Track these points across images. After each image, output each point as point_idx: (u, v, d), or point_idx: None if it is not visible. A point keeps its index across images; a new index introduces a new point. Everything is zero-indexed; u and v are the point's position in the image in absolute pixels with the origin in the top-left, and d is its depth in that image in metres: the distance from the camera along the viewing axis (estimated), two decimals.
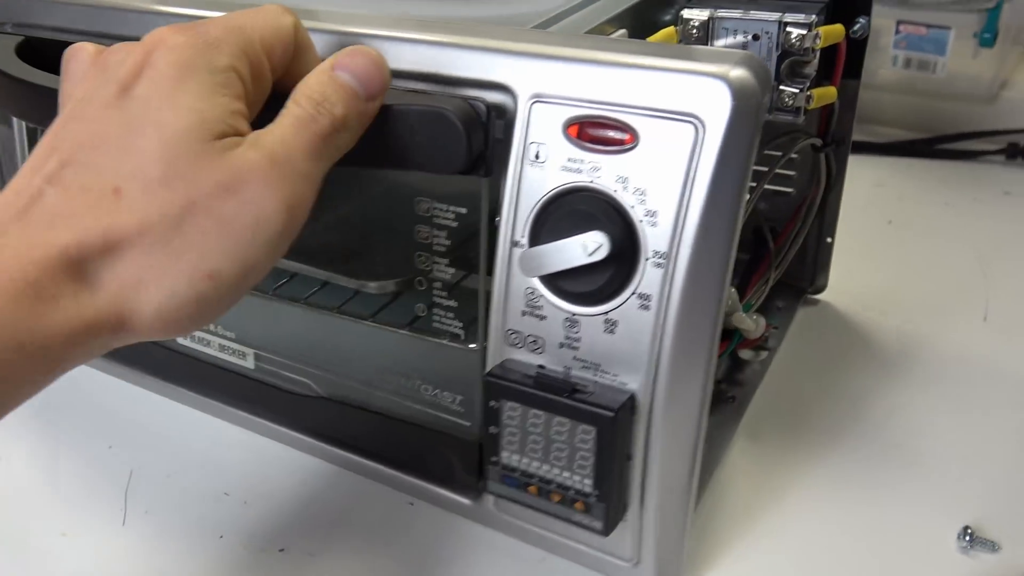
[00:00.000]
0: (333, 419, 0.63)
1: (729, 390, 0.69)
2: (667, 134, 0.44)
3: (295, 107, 0.41)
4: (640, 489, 0.50)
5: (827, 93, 0.63)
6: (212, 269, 0.38)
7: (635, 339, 0.46)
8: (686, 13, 0.62)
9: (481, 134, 0.47)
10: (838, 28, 0.61)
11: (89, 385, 0.73)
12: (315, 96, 0.41)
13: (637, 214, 0.45)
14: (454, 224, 0.52)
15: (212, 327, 0.66)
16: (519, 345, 0.50)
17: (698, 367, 0.47)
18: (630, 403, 0.47)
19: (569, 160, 0.46)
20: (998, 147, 1.16)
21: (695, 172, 0.44)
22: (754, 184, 0.49)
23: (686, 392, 0.47)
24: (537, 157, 0.47)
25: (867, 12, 0.65)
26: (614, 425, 0.46)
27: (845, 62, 0.66)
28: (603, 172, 0.46)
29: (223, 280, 0.38)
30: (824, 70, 0.64)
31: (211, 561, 0.57)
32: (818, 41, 0.59)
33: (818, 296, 0.84)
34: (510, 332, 0.50)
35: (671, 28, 0.62)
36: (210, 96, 0.39)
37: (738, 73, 0.43)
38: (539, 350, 0.50)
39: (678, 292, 0.45)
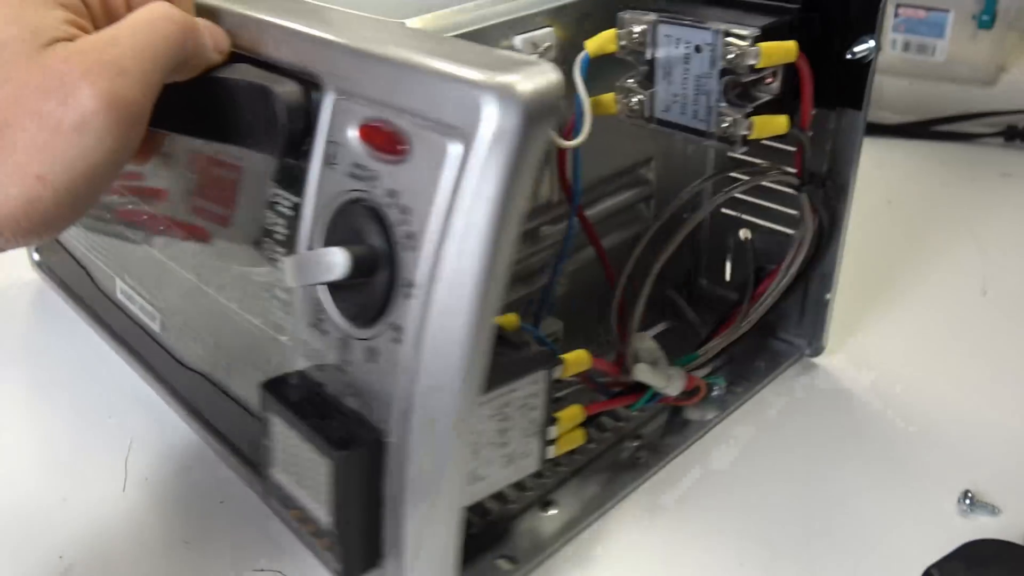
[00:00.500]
0: (204, 397, 0.57)
1: (640, 451, 0.59)
2: (436, 148, 0.36)
3: (135, 13, 0.39)
4: (398, 539, 0.40)
5: (771, 123, 0.50)
6: (40, 171, 0.35)
7: (389, 374, 0.38)
8: (627, 15, 0.52)
9: (302, 117, 0.41)
10: (787, 47, 0.49)
11: (92, 360, 0.70)
12: (160, 8, 0.39)
13: (398, 235, 0.37)
14: (291, 213, 0.45)
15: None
16: (311, 357, 0.43)
17: (447, 415, 0.38)
18: (375, 444, 0.39)
19: (355, 165, 0.39)
20: (996, 129, 1.05)
21: (458, 196, 0.35)
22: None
23: (440, 441, 0.38)
24: (333, 158, 0.40)
25: (871, 30, 0.53)
26: (347, 464, 0.38)
27: (844, 88, 0.55)
28: (378, 183, 0.38)
29: (54, 184, 0.35)
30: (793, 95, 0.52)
31: (212, 526, 0.54)
32: (758, 59, 0.48)
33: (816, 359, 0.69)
34: (303, 341, 0.43)
35: (611, 31, 0.53)
36: (45, 10, 0.37)
37: (513, 84, 0.34)
38: (321, 367, 0.42)
39: (431, 329, 0.36)
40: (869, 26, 0.54)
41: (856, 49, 0.54)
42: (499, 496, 0.53)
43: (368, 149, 0.38)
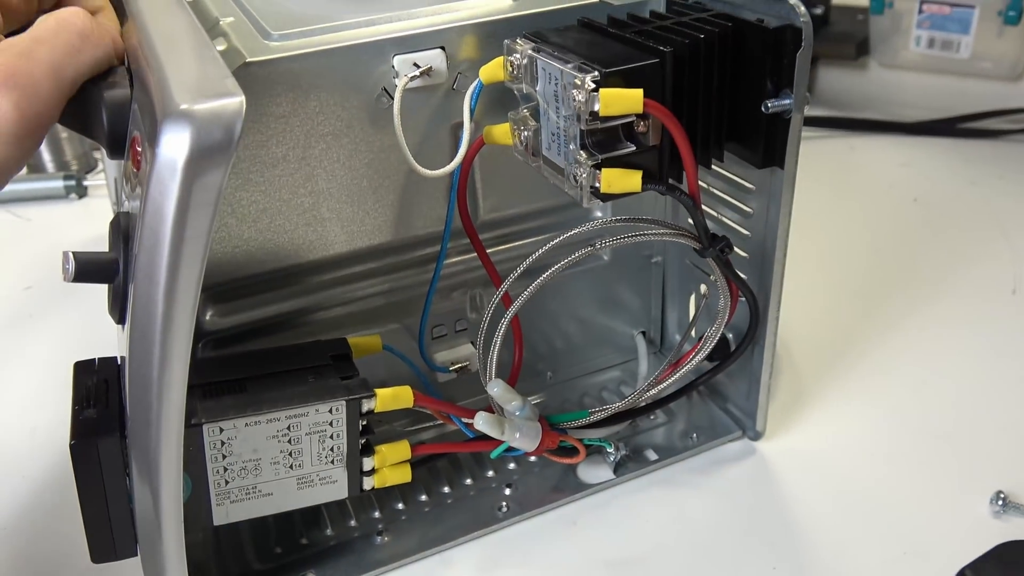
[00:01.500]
0: None
1: (509, 500, 0.47)
2: (146, 164, 0.28)
3: (50, 22, 0.33)
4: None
5: (624, 179, 0.36)
6: None
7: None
8: (510, 44, 0.39)
9: (122, 121, 0.33)
10: (630, 96, 0.34)
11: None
12: (65, 15, 0.33)
13: (131, 248, 0.30)
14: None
15: None
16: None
17: (153, 424, 0.31)
18: (111, 438, 0.34)
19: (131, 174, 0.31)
20: (1022, 126, 0.84)
21: (144, 217, 0.28)
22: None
23: (152, 445, 0.32)
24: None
25: (788, 85, 0.38)
26: (78, 452, 0.33)
27: (768, 145, 0.40)
28: (134, 195, 0.30)
29: None
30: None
31: None
32: (597, 104, 0.34)
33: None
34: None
35: (500, 59, 0.40)
36: None
37: (187, 111, 0.27)
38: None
39: (132, 346, 0.30)
40: (787, 80, 0.37)
41: (771, 104, 0.38)
42: (337, 518, 0.46)
43: (129, 161, 0.32)
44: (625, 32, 0.38)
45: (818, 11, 0.92)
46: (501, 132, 0.41)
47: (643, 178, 0.36)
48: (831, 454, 0.48)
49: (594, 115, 0.34)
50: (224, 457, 0.37)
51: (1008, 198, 0.75)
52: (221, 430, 0.36)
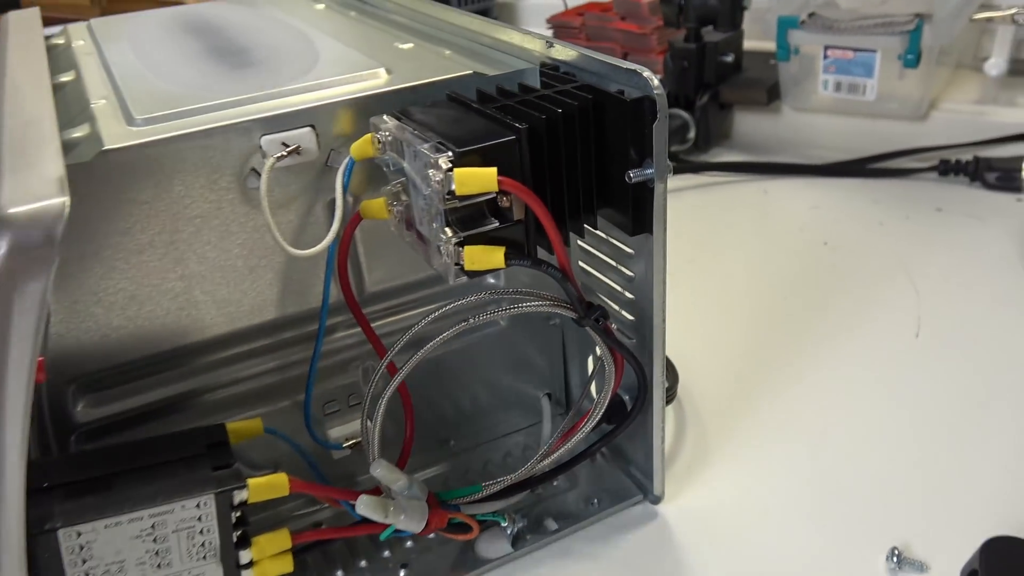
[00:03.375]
0: None
1: None
2: None
3: None
4: None
5: (487, 256, 0.35)
6: None
7: None
8: (376, 120, 0.39)
9: None
10: (484, 175, 0.34)
11: None
12: None
13: None
14: None
15: None
16: None
17: None
18: None
19: None
20: (929, 164, 0.86)
21: None
22: None
23: None
24: None
25: (651, 153, 0.37)
26: None
27: (636, 213, 0.39)
28: None
29: None
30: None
31: None
32: (452, 183, 0.34)
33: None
34: None
35: (369, 136, 0.39)
36: None
37: (11, 212, 0.26)
38: None
39: None
40: (648, 150, 0.37)
41: (633, 174, 0.38)
42: None
43: None
44: (487, 107, 0.38)
45: (728, 59, 0.94)
46: (377, 207, 0.41)
47: (507, 254, 0.36)
48: (731, 514, 0.47)
49: (452, 194, 0.34)
50: (84, 562, 0.35)
51: (913, 239, 0.76)
52: (79, 534, 0.35)
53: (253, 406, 0.46)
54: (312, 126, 0.40)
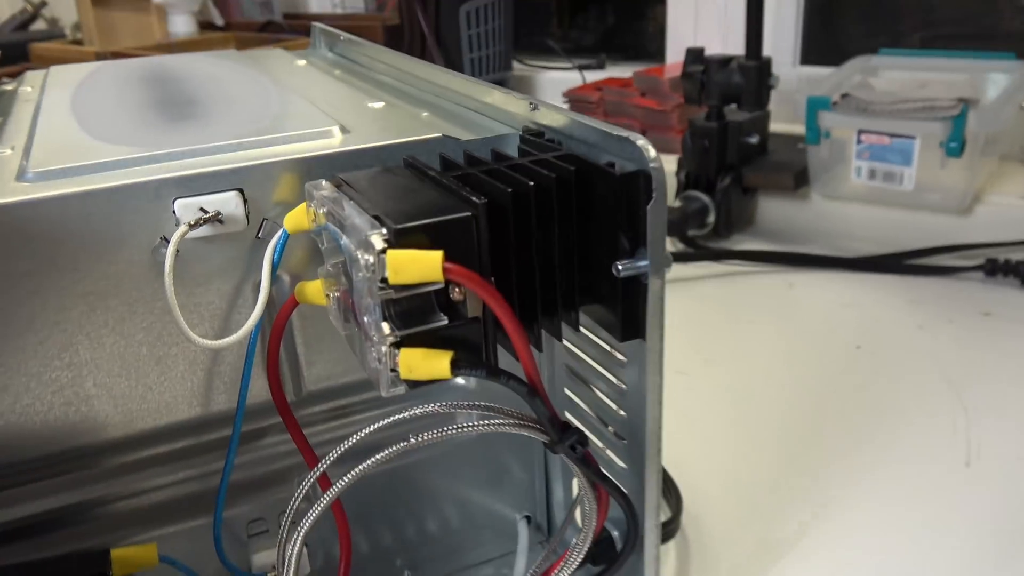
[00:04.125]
0: None
1: None
2: None
3: None
4: None
5: (427, 363, 0.28)
6: None
7: None
8: (311, 187, 0.32)
9: None
10: (426, 260, 0.26)
11: None
12: None
13: None
14: None
15: None
16: None
17: None
18: None
19: None
20: (975, 263, 0.77)
21: None
22: None
23: None
24: None
25: (641, 242, 0.30)
26: None
27: (626, 314, 0.31)
28: None
29: None
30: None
31: None
32: (386, 272, 0.26)
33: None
34: None
35: (303, 206, 0.33)
36: None
37: None
38: None
39: None
40: (642, 238, 0.30)
41: (621, 266, 0.30)
42: None
43: None
44: (445, 177, 0.31)
45: (753, 140, 0.87)
46: (314, 290, 0.34)
47: (456, 360, 0.28)
48: None
49: (385, 282, 0.27)
50: None
51: (958, 347, 0.68)
52: None
53: (160, 524, 0.38)
54: (240, 190, 0.33)
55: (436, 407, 0.32)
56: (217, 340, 0.33)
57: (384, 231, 0.26)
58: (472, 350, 0.29)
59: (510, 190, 0.29)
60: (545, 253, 0.30)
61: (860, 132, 0.81)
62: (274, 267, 0.34)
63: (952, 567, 0.45)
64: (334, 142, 0.36)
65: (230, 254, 0.35)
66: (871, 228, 0.85)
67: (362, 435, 0.32)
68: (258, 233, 0.35)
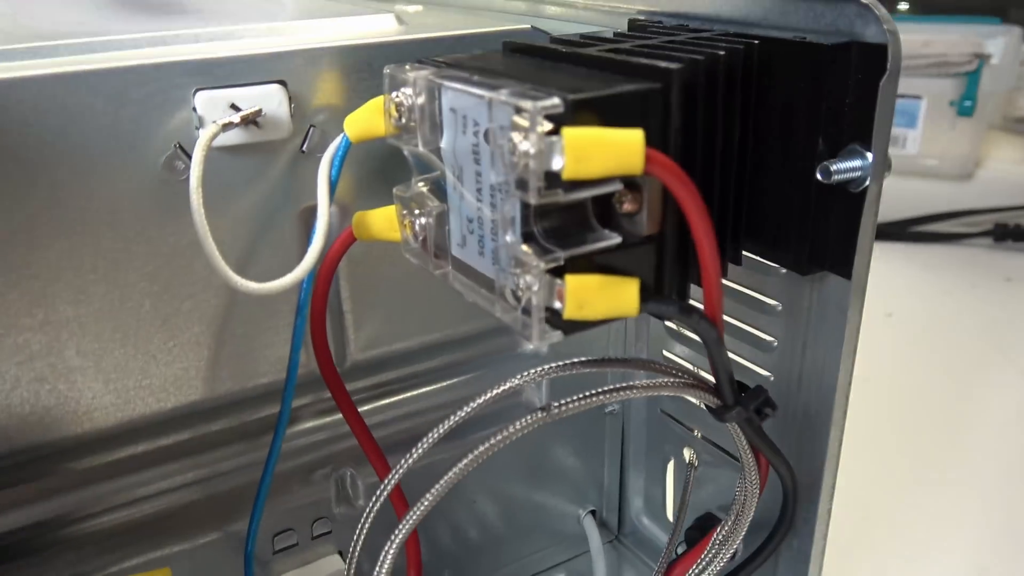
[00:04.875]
0: None
1: None
2: None
3: None
4: None
5: (607, 294, 0.19)
6: None
7: None
8: (394, 71, 0.22)
9: None
10: (621, 140, 0.18)
11: None
12: None
13: None
14: None
15: None
16: None
17: None
18: None
19: None
20: (981, 229, 0.74)
21: None
22: None
23: None
24: None
25: (860, 136, 0.22)
26: None
27: (819, 237, 0.23)
28: None
29: None
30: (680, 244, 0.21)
31: None
32: (559, 157, 0.18)
33: None
34: None
35: (379, 100, 0.24)
36: None
37: None
38: None
39: None
40: (854, 130, 0.22)
41: (836, 169, 0.22)
42: None
43: None
44: (584, 51, 0.22)
45: None
46: (381, 221, 0.25)
47: (643, 293, 0.20)
48: None
49: (553, 179, 0.18)
50: None
51: (992, 312, 0.63)
52: None
53: (159, 542, 0.28)
54: (282, 82, 0.25)
55: (550, 368, 0.23)
56: (263, 285, 0.24)
57: (556, 102, 0.18)
58: (644, 281, 0.21)
59: (702, 59, 0.21)
60: (726, 152, 0.23)
61: None
62: (332, 186, 0.25)
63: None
64: (391, 30, 0.28)
65: (267, 174, 0.26)
66: None
67: (460, 418, 0.24)
68: (303, 145, 0.26)
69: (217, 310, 0.26)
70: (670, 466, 0.35)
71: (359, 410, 0.28)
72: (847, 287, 0.24)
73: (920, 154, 0.76)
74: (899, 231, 0.76)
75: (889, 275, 0.70)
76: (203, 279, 0.26)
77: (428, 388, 0.32)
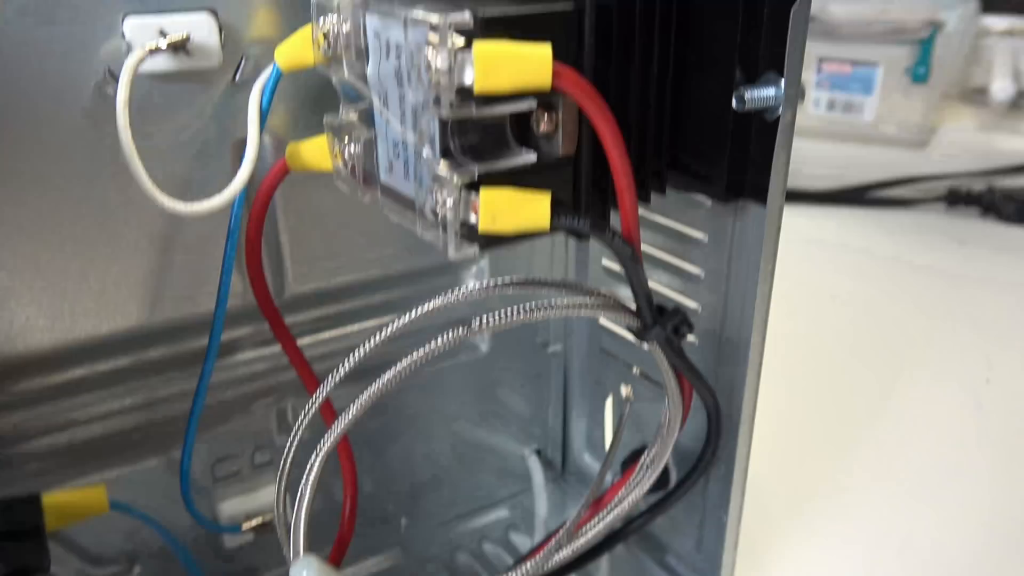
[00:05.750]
0: None
1: None
2: None
3: None
4: None
5: (519, 208, 0.20)
6: None
7: None
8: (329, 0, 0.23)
9: None
10: (532, 56, 0.19)
11: None
12: None
13: None
14: None
15: None
16: None
17: None
18: None
19: None
20: (935, 195, 0.75)
21: None
22: None
23: None
24: None
25: (775, 63, 0.22)
26: None
27: (736, 164, 0.24)
28: None
29: None
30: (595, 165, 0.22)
31: None
32: (470, 70, 0.18)
33: None
34: None
35: (307, 30, 0.24)
36: None
37: None
38: None
39: None
40: (769, 57, 0.23)
41: (750, 97, 0.22)
42: None
43: None
44: None
45: None
46: (313, 151, 0.25)
47: (554, 207, 0.20)
48: None
49: (466, 94, 0.19)
50: None
51: (948, 275, 0.64)
52: None
53: (97, 466, 0.29)
54: (212, 10, 0.25)
55: (476, 288, 0.24)
56: (190, 205, 0.24)
57: (466, 16, 0.19)
58: (558, 198, 0.21)
59: None
60: (642, 77, 0.23)
61: (821, 61, 0.77)
62: (263, 114, 0.25)
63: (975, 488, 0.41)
64: None
65: (196, 100, 0.26)
66: (827, 164, 0.81)
67: (394, 328, 0.24)
68: (235, 75, 0.26)
69: (154, 237, 0.27)
70: (608, 402, 0.36)
71: (298, 343, 0.29)
72: (763, 215, 0.25)
73: (877, 121, 0.77)
74: (856, 196, 0.78)
75: (839, 244, 0.71)
76: (138, 205, 0.26)
77: (368, 323, 0.32)
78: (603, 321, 0.35)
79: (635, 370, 0.33)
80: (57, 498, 0.25)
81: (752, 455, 0.29)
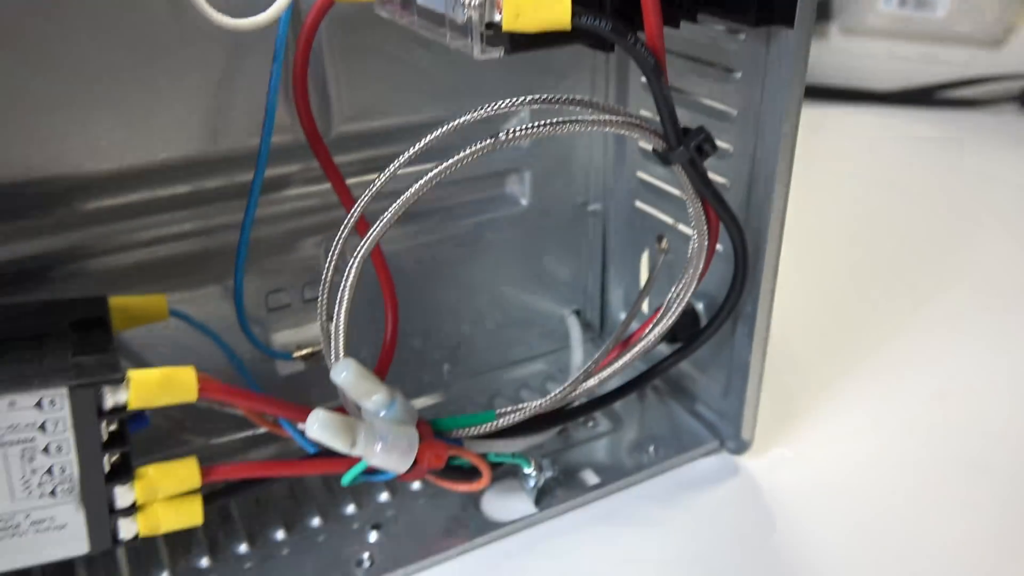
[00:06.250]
0: None
1: (374, 549, 0.30)
2: None
3: None
4: None
5: (540, 6, 0.21)
6: None
7: None
8: None
9: None
10: None
11: None
12: None
13: None
14: None
15: None
16: None
17: None
18: None
19: None
20: (1010, 95, 0.72)
21: None
22: None
23: None
24: None
25: None
26: None
27: None
28: None
29: None
30: None
31: None
32: None
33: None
34: None
35: None
36: None
37: None
38: None
39: None
40: None
41: None
42: None
43: None
44: None
45: None
46: None
47: (575, 6, 0.21)
48: (841, 473, 0.33)
49: None
50: None
51: (1011, 178, 0.62)
52: None
53: (159, 288, 0.31)
54: None
55: (506, 104, 0.25)
56: (237, 20, 0.25)
57: None
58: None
59: None
60: None
61: None
62: None
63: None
64: None
65: None
66: (896, 63, 0.79)
67: (417, 149, 0.25)
68: None
69: (213, 66, 0.28)
70: (644, 256, 0.36)
71: (347, 183, 0.30)
72: (790, 38, 0.25)
73: (949, 18, 0.74)
74: (925, 96, 0.75)
75: (904, 143, 0.69)
76: (194, 32, 0.27)
77: (417, 167, 0.33)
78: (640, 174, 0.35)
79: (671, 222, 0.34)
80: (121, 300, 0.27)
81: (779, 305, 0.30)
